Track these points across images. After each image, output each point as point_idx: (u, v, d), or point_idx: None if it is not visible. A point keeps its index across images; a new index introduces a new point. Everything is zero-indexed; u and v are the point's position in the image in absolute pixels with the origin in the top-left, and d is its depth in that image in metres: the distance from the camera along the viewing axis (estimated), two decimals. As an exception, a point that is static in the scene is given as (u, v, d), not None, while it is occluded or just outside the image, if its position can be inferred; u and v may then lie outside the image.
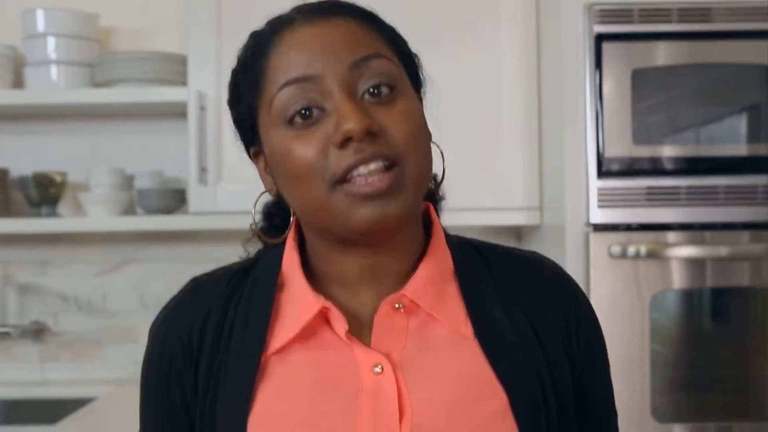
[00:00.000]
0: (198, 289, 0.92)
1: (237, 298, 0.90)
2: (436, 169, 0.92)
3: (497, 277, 0.91)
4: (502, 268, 0.93)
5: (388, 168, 0.81)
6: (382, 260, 0.87)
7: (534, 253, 0.97)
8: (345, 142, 0.80)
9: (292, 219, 0.92)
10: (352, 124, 0.79)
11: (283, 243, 0.92)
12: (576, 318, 0.91)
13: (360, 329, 0.86)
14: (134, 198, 2.26)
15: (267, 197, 0.95)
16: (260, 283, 0.90)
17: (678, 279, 1.77)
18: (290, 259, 0.90)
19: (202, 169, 2.01)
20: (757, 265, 1.77)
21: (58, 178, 2.25)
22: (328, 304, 0.85)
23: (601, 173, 1.75)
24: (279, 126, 0.84)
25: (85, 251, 2.36)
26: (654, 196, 1.75)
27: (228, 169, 2.01)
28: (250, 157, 0.94)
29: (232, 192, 1.99)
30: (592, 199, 1.75)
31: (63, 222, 2.25)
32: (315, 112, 0.82)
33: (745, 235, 1.76)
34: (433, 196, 0.96)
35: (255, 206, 0.95)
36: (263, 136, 0.88)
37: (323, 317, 0.86)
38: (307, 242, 0.91)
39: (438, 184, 0.96)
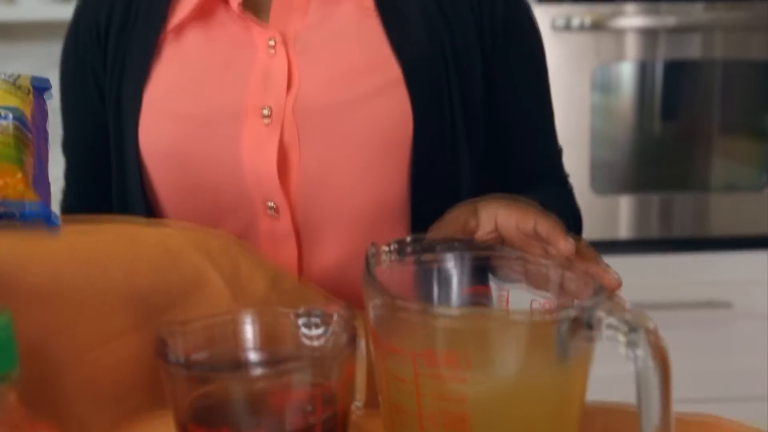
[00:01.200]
0: None
1: None
2: None
3: None
4: None
5: None
6: None
7: None
8: None
9: None
10: None
11: None
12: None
13: (259, 7, 0.86)
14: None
15: None
16: None
17: (628, 51, 1.75)
18: None
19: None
20: (709, 38, 1.75)
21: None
22: None
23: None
24: None
25: (22, 47, 2.27)
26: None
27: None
28: None
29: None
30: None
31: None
32: None
33: (698, 7, 1.73)
34: None
35: None
36: None
37: None
38: None
39: None
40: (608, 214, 1.79)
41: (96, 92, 0.90)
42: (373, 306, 0.52)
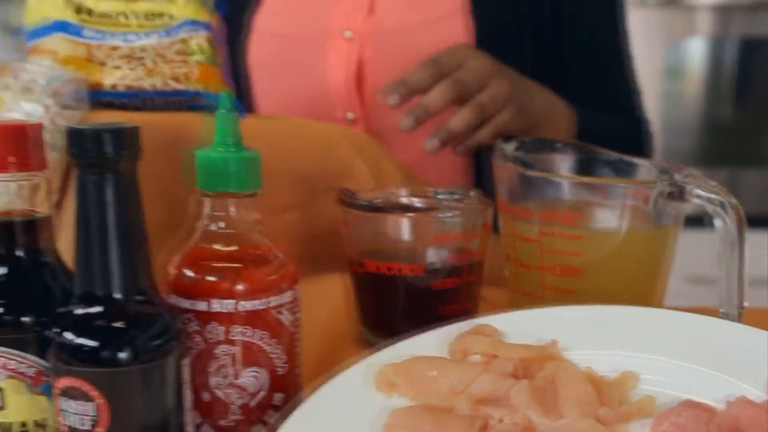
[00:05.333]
0: None
1: None
2: None
3: None
4: None
5: None
6: None
7: None
8: None
9: None
10: None
11: None
12: None
13: None
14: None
15: None
16: None
17: (701, 27, 1.83)
18: None
19: None
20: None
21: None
22: None
23: None
24: None
25: None
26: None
27: None
28: None
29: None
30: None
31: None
32: None
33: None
34: None
35: None
36: None
37: None
38: None
39: None
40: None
41: None
42: (506, 179, 0.64)
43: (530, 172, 0.62)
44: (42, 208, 0.48)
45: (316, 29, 0.97)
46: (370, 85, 0.95)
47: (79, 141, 0.41)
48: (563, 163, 0.69)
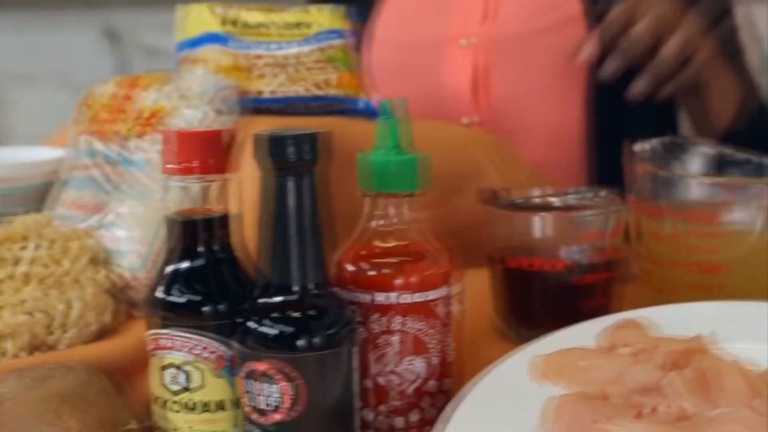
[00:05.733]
0: None
1: None
2: None
3: None
4: None
5: None
6: None
7: None
8: None
9: None
10: None
11: None
12: None
13: None
14: None
15: None
16: None
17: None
18: None
19: None
20: None
21: None
22: None
23: None
24: None
25: None
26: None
27: None
28: None
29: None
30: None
31: None
32: None
33: None
34: None
35: None
36: None
37: None
38: None
39: None
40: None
41: None
42: (638, 179, 0.66)
43: (666, 173, 0.63)
44: (220, 208, 0.53)
45: (433, 37, 1.00)
46: (489, 91, 0.97)
47: (279, 147, 0.46)
48: (695, 163, 0.71)
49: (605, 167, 0.93)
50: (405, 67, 1.01)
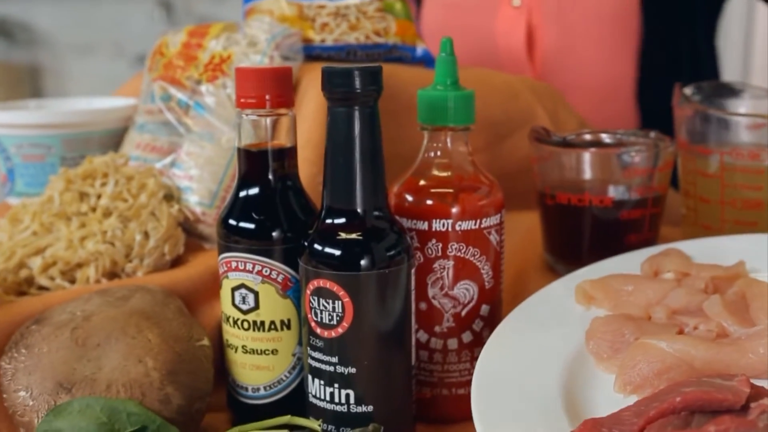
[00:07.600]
0: None
1: None
2: None
3: None
4: None
5: None
6: None
7: None
8: None
9: None
10: None
11: None
12: None
13: None
14: None
15: None
16: None
17: None
18: None
19: None
20: None
21: None
22: None
23: None
24: None
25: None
26: None
27: None
28: None
29: None
30: None
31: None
32: None
33: None
34: None
35: None
36: None
37: None
38: None
39: None
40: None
41: None
42: (687, 119, 0.68)
43: (715, 111, 0.66)
44: (288, 141, 0.57)
45: None
46: (540, 48, 0.99)
47: (333, 79, 0.49)
48: (742, 106, 0.72)
49: (653, 120, 0.95)
50: (458, 29, 1.03)
